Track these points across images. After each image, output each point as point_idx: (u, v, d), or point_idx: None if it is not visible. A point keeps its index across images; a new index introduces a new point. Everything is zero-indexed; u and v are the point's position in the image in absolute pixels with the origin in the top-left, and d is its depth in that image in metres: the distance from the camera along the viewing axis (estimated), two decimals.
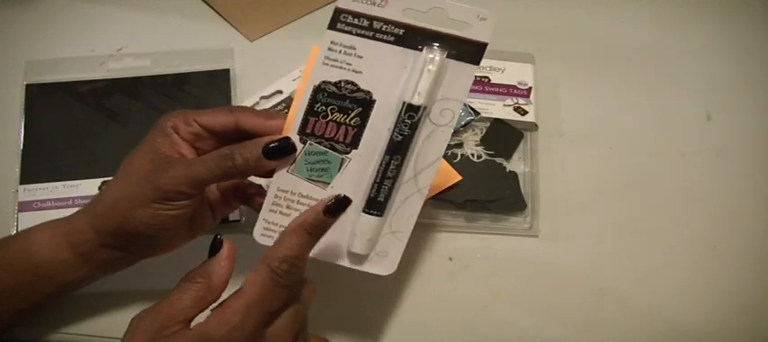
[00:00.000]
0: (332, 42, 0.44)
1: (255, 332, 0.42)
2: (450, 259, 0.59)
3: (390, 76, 0.45)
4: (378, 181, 0.46)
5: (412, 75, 0.44)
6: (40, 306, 0.50)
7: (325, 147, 0.45)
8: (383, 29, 0.44)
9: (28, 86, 0.66)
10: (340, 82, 0.44)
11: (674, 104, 0.71)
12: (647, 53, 0.75)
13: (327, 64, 0.44)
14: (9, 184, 0.61)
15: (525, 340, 0.56)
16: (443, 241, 0.60)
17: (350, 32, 0.44)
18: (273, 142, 0.46)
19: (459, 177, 0.61)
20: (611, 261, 0.60)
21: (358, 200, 0.46)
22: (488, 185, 0.62)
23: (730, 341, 0.57)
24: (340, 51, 0.44)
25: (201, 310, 0.43)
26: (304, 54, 0.71)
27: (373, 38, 0.44)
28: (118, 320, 0.55)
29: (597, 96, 0.71)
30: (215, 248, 0.44)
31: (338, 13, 0.44)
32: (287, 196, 0.46)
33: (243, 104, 0.67)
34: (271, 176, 0.47)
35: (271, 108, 0.67)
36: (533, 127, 0.67)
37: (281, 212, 0.47)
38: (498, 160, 0.64)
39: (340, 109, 0.45)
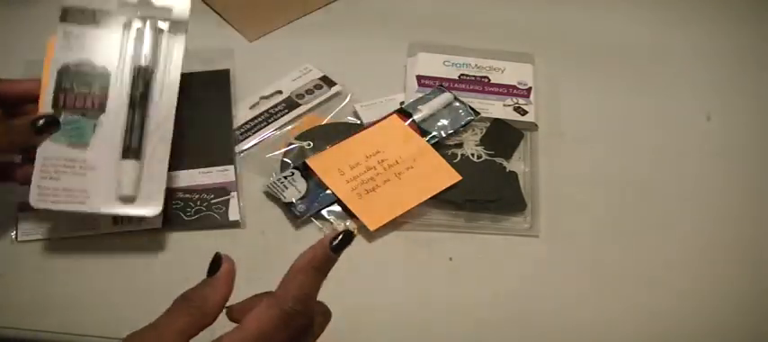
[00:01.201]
0: (65, 33, 0.55)
1: None
2: (451, 259, 0.59)
3: (118, 52, 0.56)
4: (128, 131, 0.54)
5: (137, 47, 0.56)
6: None
7: (77, 115, 0.54)
8: (104, 18, 0.56)
9: None
10: (79, 62, 0.55)
11: (674, 104, 0.71)
12: (647, 53, 0.75)
13: (64, 49, 0.55)
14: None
15: (525, 340, 0.56)
16: (443, 241, 0.60)
17: (79, 23, 0.56)
18: (41, 119, 0.52)
19: (459, 177, 0.61)
20: (610, 261, 0.60)
21: (115, 153, 0.54)
22: (488, 185, 0.62)
23: (730, 341, 0.57)
24: (73, 39, 0.55)
25: (193, 336, 0.41)
26: (304, 54, 0.71)
27: (98, 26, 0.56)
28: (118, 320, 0.55)
29: (597, 96, 0.71)
30: (213, 268, 0.42)
31: (66, 10, 0.56)
32: (54, 162, 0.53)
33: (241, 104, 0.67)
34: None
35: (270, 108, 0.67)
36: (533, 127, 0.67)
37: (51, 177, 0.53)
38: (498, 160, 0.64)
39: (84, 83, 0.54)
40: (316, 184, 0.61)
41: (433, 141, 0.64)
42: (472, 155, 0.64)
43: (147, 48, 0.56)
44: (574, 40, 0.76)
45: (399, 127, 0.65)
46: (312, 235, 0.59)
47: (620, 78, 0.73)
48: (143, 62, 0.56)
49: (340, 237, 0.42)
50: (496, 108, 0.67)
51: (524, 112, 0.67)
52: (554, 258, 0.60)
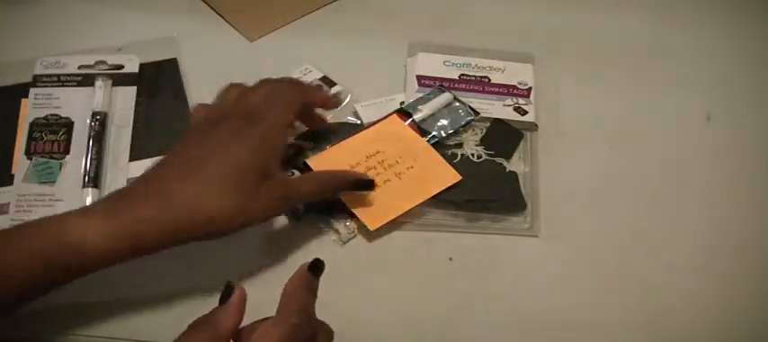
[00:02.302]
0: (36, 95, 0.66)
1: None
2: (451, 259, 0.59)
3: (80, 104, 0.65)
4: (88, 165, 0.62)
5: (94, 98, 0.66)
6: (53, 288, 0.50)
7: (46, 158, 0.62)
8: (68, 79, 0.67)
9: None
10: (47, 116, 0.64)
11: (674, 104, 0.71)
12: (647, 53, 0.75)
13: (36, 107, 0.65)
14: None
15: (526, 340, 0.56)
16: (443, 241, 0.60)
17: (47, 85, 0.66)
18: (363, 179, 0.59)
19: (459, 177, 0.61)
20: (610, 261, 0.60)
21: (79, 185, 0.61)
22: (488, 185, 0.62)
23: (731, 340, 0.57)
24: (43, 98, 0.66)
25: None
26: (304, 54, 0.72)
27: (63, 85, 0.67)
28: (119, 320, 0.55)
29: (597, 96, 0.71)
30: (226, 295, 0.45)
31: (36, 78, 0.67)
32: (26, 198, 0.60)
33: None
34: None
35: None
36: (533, 127, 0.67)
37: (24, 211, 0.59)
38: (498, 160, 0.64)
39: (51, 132, 0.64)
40: None
41: (433, 141, 0.64)
42: (472, 155, 0.64)
43: (100, 97, 0.65)
44: (574, 40, 0.76)
45: (399, 127, 0.65)
46: (314, 235, 0.59)
47: (621, 78, 0.73)
48: (98, 108, 0.65)
49: (311, 265, 0.46)
50: (496, 108, 0.67)
51: (524, 112, 0.67)
52: (554, 258, 0.60)
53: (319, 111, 0.63)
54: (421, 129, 0.65)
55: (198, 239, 0.50)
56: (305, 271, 0.45)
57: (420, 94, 0.68)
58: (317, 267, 0.46)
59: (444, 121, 0.65)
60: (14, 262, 0.47)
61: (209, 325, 0.43)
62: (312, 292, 0.45)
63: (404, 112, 0.66)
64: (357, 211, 0.59)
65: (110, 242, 0.48)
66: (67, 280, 0.49)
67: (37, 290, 0.48)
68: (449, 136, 0.65)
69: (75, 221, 0.48)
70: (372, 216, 0.59)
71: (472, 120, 0.66)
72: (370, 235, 0.59)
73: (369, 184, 0.59)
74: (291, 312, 0.44)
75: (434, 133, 0.65)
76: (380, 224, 0.59)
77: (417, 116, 0.65)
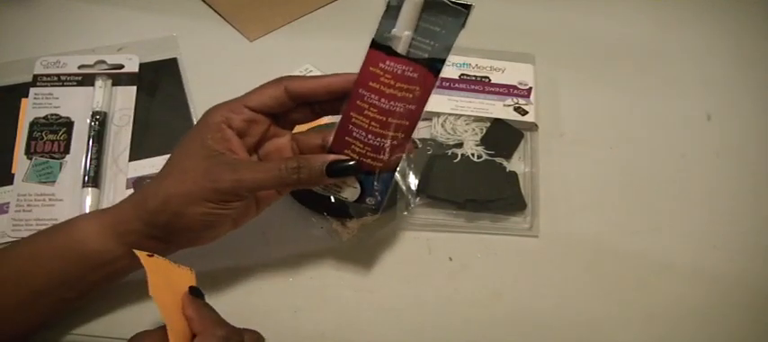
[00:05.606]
0: (36, 95, 0.66)
1: None
2: (451, 259, 0.59)
3: (80, 104, 0.65)
4: (87, 165, 0.61)
5: (94, 97, 0.65)
6: (87, 294, 0.51)
7: (46, 158, 0.62)
8: (68, 79, 0.67)
9: None
10: (47, 116, 0.64)
11: (674, 104, 0.71)
12: (647, 53, 0.75)
13: (36, 107, 0.65)
14: None
15: (525, 340, 0.56)
16: (443, 241, 0.60)
17: (47, 85, 0.66)
18: (339, 163, 0.49)
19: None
20: (610, 261, 0.60)
21: (79, 184, 0.61)
22: (488, 185, 0.62)
23: (730, 341, 0.57)
24: (43, 98, 0.66)
25: None
26: (304, 54, 0.71)
27: (63, 85, 0.67)
28: (117, 320, 0.55)
29: (597, 96, 0.71)
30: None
31: (36, 77, 0.67)
32: (26, 197, 0.60)
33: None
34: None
35: None
36: (533, 127, 0.67)
37: (24, 210, 0.59)
38: (498, 160, 0.64)
39: (51, 131, 0.63)
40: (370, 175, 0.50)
41: (439, 68, 0.48)
42: (472, 155, 0.64)
43: (99, 96, 0.65)
44: (574, 40, 0.76)
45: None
46: (314, 235, 0.59)
47: (621, 78, 0.73)
48: (98, 108, 0.65)
49: (191, 290, 0.46)
50: (497, 108, 0.67)
51: (524, 112, 0.67)
52: (554, 258, 0.60)
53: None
54: (416, 61, 0.48)
55: (167, 232, 0.50)
56: (191, 296, 0.45)
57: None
58: (198, 293, 0.46)
59: (435, 37, 0.48)
60: (32, 260, 0.49)
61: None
62: (211, 308, 0.45)
63: (381, 49, 0.49)
64: None
65: (101, 239, 0.49)
66: (81, 285, 0.50)
67: (54, 297, 0.50)
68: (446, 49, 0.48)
69: (77, 222, 0.51)
70: None
71: (467, 16, 0.48)
72: (370, 234, 0.59)
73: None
74: (212, 328, 0.44)
75: (442, 56, 0.48)
76: None
77: (400, 47, 0.48)
